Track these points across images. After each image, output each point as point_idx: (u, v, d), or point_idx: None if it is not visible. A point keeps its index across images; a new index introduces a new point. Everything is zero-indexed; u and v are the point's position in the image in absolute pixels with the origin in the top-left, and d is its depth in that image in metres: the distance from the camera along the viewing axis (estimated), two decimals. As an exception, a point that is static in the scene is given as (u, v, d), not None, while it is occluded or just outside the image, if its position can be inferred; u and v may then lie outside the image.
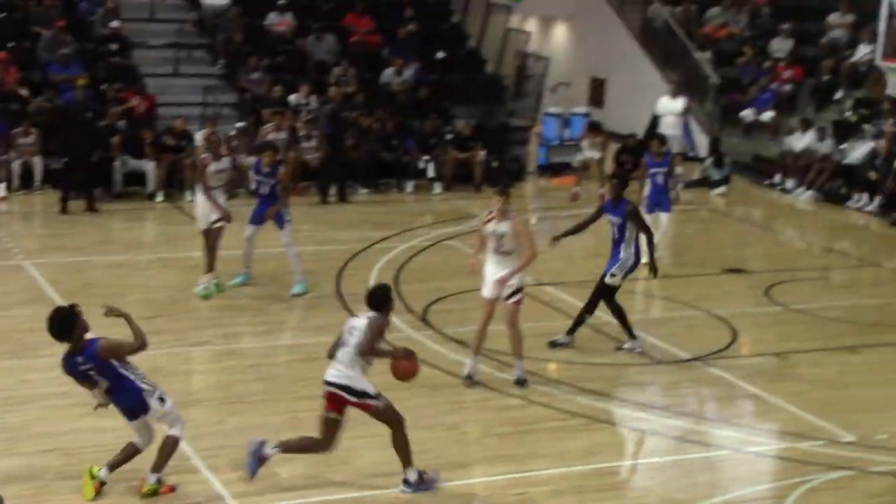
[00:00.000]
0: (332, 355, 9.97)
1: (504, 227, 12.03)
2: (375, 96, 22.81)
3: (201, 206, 15.09)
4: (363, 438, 10.28)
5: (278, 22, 23.74)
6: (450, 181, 22.07)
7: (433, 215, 20.41)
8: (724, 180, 23.08)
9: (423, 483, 10.10)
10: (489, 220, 12.16)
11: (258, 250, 15.31)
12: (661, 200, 16.82)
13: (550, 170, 23.88)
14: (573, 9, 29.82)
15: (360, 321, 9.96)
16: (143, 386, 9.52)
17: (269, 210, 14.94)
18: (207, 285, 14.92)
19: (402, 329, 14.03)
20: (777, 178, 23.40)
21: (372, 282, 15.87)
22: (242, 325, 14.16)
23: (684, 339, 13.91)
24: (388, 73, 23.30)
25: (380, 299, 10.11)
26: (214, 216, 14.94)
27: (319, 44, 23.33)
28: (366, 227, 18.95)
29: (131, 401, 9.52)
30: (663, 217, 16.87)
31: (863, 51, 24.56)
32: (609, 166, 21.13)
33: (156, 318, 13.61)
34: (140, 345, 9.48)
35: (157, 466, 9.62)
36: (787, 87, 25.73)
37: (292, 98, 21.99)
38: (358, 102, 22.27)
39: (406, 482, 10.06)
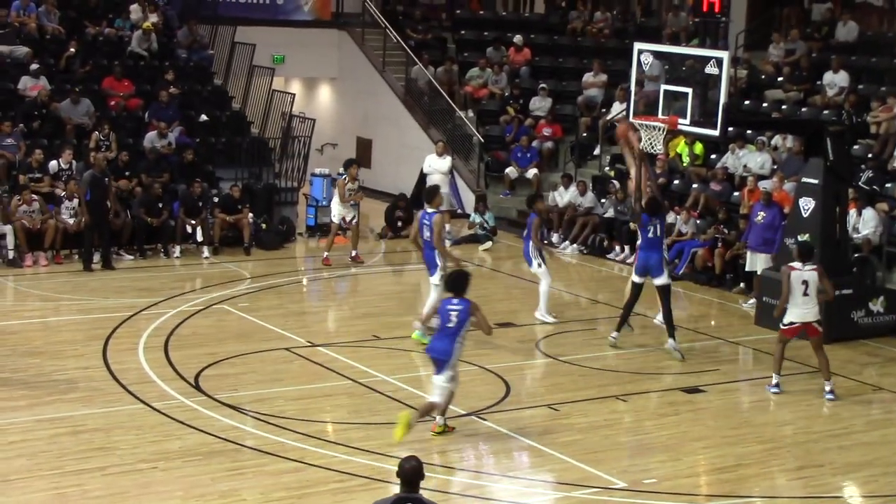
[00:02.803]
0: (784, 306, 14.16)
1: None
2: (138, 160, 22.33)
3: None
4: None
5: (32, 86, 23.00)
6: (218, 244, 21.76)
7: (202, 279, 20.03)
8: (492, 232, 23.57)
9: (832, 392, 14.28)
10: None
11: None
12: None
13: (320, 230, 23.79)
14: (336, 71, 30.00)
15: (810, 274, 13.89)
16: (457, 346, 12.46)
17: None
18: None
19: (174, 396, 13.66)
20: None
21: (141, 350, 15.48)
22: (1, 399, 13.51)
23: (458, 395, 13.96)
24: (150, 137, 22.85)
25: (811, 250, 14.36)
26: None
27: (75, 108, 22.70)
28: (132, 294, 18.47)
29: (443, 352, 12.45)
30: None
31: (617, 108, 25.47)
32: (367, 223, 20.87)
33: None
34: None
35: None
36: (549, 145, 26.48)
37: (52, 164, 21.31)
38: (120, 167, 21.74)
39: (832, 392, 14.27)
